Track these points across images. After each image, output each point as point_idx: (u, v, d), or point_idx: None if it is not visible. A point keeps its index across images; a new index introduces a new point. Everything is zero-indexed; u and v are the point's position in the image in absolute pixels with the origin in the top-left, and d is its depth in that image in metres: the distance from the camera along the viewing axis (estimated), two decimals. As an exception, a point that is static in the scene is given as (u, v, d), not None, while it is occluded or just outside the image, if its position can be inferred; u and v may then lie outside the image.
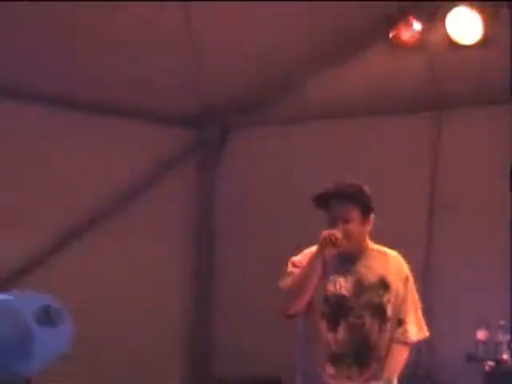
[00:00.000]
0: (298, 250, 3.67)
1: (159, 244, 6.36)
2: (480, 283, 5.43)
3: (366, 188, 3.56)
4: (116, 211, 6.44)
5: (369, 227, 3.56)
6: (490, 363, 4.31)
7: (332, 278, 3.54)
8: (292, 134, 6.51)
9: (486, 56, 5.04)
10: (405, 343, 3.52)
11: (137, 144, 6.36)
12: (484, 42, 4.83)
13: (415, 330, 3.51)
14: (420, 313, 3.56)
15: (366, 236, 3.58)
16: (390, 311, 3.48)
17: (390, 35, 5.13)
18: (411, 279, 3.60)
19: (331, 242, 3.42)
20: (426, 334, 3.50)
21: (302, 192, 5.20)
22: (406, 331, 3.49)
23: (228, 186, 6.80)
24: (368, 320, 3.50)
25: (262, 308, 5.31)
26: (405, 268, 3.62)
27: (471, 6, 4.69)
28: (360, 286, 3.55)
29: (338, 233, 3.44)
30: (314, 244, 3.48)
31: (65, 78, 5.77)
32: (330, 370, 3.55)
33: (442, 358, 5.26)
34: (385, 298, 3.52)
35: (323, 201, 3.56)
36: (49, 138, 6.12)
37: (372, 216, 3.52)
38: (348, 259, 3.56)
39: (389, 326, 3.48)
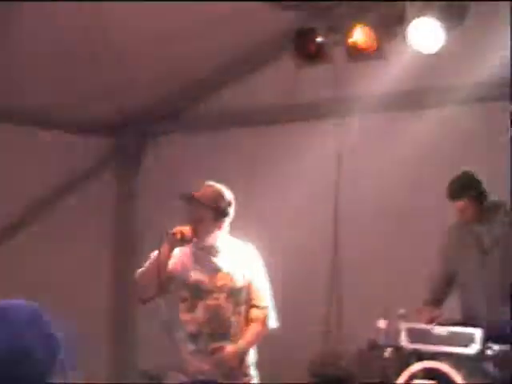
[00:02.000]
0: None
1: (78, 252, 6.50)
2: (382, 277, 5.85)
3: (225, 193, 4.06)
4: (36, 218, 6.56)
5: (222, 227, 4.05)
6: (389, 349, 4.68)
7: (191, 266, 4.05)
8: (207, 142, 6.78)
9: (386, 67, 5.47)
10: (263, 323, 4.02)
11: (55, 153, 6.49)
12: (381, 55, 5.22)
13: (273, 314, 4.05)
14: (270, 298, 4.10)
15: (219, 233, 4.06)
16: (243, 295, 4.00)
17: (298, 48, 5.45)
18: (262, 268, 4.13)
19: (178, 237, 3.89)
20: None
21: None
22: (264, 313, 4.02)
23: (147, 192, 7.00)
24: (223, 302, 3.97)
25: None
26: (257, 258, 4.13)
27: (367, 25, 5.05)
28: (216, 272, 4.03)
29: (186, 229, 3.93)
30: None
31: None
32: (190, 347, 4.00)
33: (350, 346, 5.59)
34: (238, 284, 4.02)
35: (186, 200, 4.10)
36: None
37: (226, 218, 4.04)
38: (205, 251, 4.07)
39: (243, 308, 3.99)
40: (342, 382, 5.27)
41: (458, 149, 5.69)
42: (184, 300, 4.05)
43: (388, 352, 4.62)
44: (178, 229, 3.97)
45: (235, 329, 4.00)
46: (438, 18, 5.06)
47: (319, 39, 5.30)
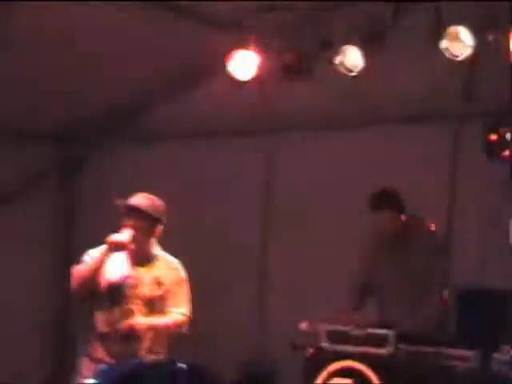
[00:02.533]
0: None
1: (22, 257, 6.80)
2: (307, 282, 6.39)
3: (159, 203, 4.43)
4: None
5: (154, 236, 4.43)
6: (310, 350, 5.04)
7: (115, 271, 4.37)
8: (148, 152, 7.35)
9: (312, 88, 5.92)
10: (177, 322, 4.43)
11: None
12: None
13: (184, 318, 4.43)
14: (190, 307, 4.47)
15: (151, 243, 4.43)
16: (158, 305, 4.40)
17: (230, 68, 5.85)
18: (186, 282, 4.50)
19: (115, 245, 4.24)
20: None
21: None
22: (181, 317, 4.42)
23: (90, 199, 7.49)
24: (137, 308, 4.35)
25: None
26: (181, 273, 4.51)
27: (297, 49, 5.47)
28: (137, 281, 4.40)
29: (123, 238, 4.27)
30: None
31: None
32: (101, 345, 4.36)
33: (276, 346, 6.12)
34: (155, 293, 4.40)
35: (122, 209, 4.40)
36: None
37: (159, 227, 4.40)
38: (135, 259, 4.41)
39: (155, 315, 4.38)
40: (268, 380, 5.70)
41: (382, 167, 6.21)
42: (103, 302, 4.40)
43: (309, 352, 5.01)
44: (114, 236, 4.30)
45: (145, 334, 4.35)
46: (361, 42, 5.50)
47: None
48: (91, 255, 4.40)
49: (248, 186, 6.75)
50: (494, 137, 5.46)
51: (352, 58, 5.50)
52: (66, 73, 6.16)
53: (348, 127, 6.51)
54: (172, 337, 4.55)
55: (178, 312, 4.46)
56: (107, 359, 4.35)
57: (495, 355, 4.65)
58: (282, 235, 6.68)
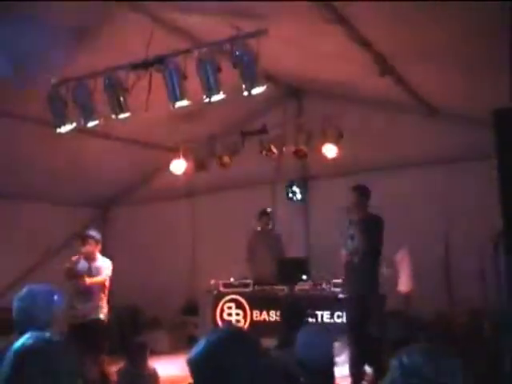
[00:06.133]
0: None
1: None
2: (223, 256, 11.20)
3: (95, 234, 7.98)
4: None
5: (99, 248, 7.98)
6: (215, 292, 10.65)
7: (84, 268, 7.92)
8: (148, 209, 12.65)
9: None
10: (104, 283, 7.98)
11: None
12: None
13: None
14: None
15: (98, 252, 7.97)
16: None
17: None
18: (110, 269, 7.97)
19: (68, 271, 7.77)
20: None
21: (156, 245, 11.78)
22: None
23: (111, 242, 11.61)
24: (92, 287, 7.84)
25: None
26: (109, 264, 7.99)
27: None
28: (92, 271, 7.91)
29: (70, 264, 7.80)
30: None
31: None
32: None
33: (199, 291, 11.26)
34: (99, 280, 7.84)
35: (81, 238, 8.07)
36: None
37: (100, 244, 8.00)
38: (89, 262, 7.96)
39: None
40: (196, 308, 11.29)
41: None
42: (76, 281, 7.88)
43: (214, 293, 10.37)
44: (68, 265, 7.81)
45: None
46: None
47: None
48: (73, 261, 7.84)
49: (179, 236, 12.54)
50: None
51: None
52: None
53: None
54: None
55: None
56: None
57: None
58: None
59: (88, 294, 7.84)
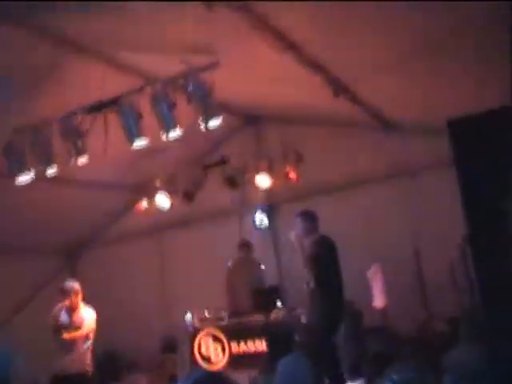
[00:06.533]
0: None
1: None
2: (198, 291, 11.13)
3: (73, 285, 8.05)
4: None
5: (80, 297, 8.05)
6: (190, 328, 10.43)
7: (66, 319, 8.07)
8: (116, 251, 12.58)
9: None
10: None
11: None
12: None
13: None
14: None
15: (80, 301, 8.03)
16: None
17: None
18: (94, 318, 8.13)
19: (52, 326, 7.96)
20: None
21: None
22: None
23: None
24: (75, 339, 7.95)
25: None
26: (93, 313, 8.14)
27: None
28: (73, 326, 8.03)
29: (53, 318, 7.96)
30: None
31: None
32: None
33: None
34: (79, 334, 7.98)
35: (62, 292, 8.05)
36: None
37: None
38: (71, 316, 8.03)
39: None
40: (175, 344, 11.20)
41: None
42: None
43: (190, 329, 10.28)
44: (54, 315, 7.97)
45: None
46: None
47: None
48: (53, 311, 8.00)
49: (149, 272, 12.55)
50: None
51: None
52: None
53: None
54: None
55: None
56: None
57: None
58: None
59: (71, 345, 7.89)
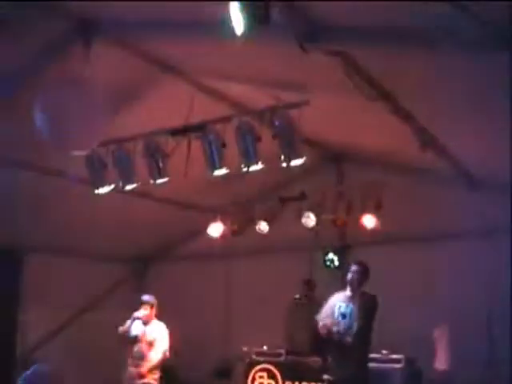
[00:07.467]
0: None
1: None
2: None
3: (149, 299, 8.46)
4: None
5: (155, 311, 8.40)
6: (247, 360, 10.41)
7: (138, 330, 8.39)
8: (184, 269, 12.70)
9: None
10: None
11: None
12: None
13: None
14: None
15: (154, 315, 8.30)
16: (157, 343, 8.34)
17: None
18: (166, 333, 8.37)
19: (135, 318, 8.21)
20: None
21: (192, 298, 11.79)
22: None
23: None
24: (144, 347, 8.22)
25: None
26: (164, 328, 8.38)
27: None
28: (146, 338, 8.41)
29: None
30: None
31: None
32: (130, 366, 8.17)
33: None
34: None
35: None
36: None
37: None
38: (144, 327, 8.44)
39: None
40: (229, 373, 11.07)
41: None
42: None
43: (247, 361, 10.28)
44: (136, 313, 8.27)
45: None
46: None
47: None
48: (126, 322, 8.10)
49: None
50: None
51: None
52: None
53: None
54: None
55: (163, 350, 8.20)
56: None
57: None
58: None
59: (142, 357, 8.05)
